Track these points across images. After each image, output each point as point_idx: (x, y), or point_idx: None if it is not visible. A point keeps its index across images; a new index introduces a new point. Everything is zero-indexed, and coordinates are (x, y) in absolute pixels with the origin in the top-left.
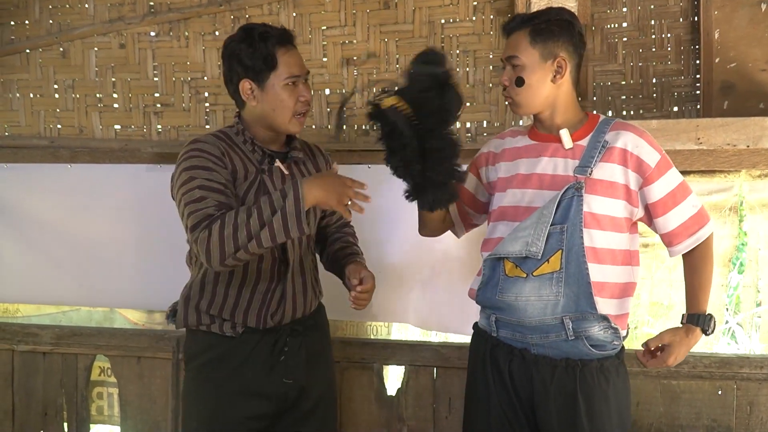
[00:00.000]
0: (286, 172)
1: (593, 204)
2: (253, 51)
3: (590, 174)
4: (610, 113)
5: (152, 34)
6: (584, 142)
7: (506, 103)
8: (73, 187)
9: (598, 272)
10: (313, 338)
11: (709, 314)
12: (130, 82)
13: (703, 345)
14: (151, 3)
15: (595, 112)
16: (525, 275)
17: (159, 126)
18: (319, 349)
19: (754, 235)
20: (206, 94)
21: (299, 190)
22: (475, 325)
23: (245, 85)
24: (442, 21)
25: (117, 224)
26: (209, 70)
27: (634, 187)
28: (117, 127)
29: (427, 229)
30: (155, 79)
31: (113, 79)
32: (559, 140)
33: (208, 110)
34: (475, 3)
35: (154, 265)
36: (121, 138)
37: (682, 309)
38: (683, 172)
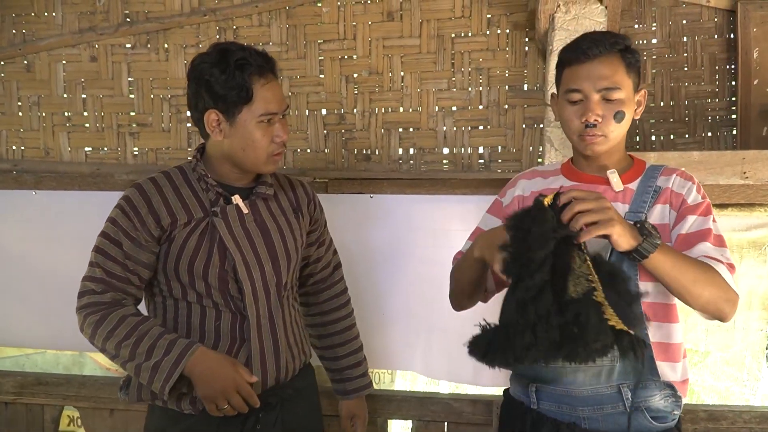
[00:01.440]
0: (245, 210)
1: None
2: (227, 79)
3: (645, 219)
4: (637, 138)
5: (128, 45)
6: (633, 185)
7: (585, 141)
8: (38, 216)
9: (657, 331)
10: (294, 411)
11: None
12: (103, 99)
13: (742, 399)
14: (127, 12)
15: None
16: None
17: (135, 148)
18: (303, 424)
19: None
20: (188, 113)
21: (184, 357)
22: (506, 393)
23: (211, 116)
24: (453, 35)
25: (86, 258)
26: None
27: (670, 224)
28: (87, 149)
29: (471, 297)
30: (131, 95)
31: (83, 96)
32: (606, 182)
33: (190, 131)
34: (489, 16)
35: None
36: (93, 161)
37: (720, 355)
38: (720, 206)
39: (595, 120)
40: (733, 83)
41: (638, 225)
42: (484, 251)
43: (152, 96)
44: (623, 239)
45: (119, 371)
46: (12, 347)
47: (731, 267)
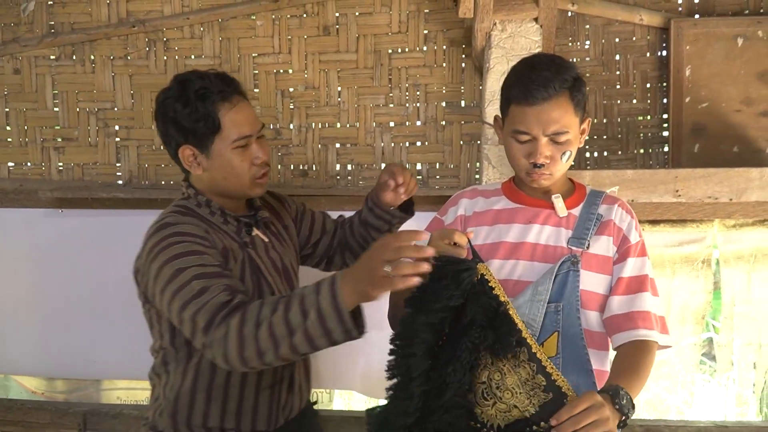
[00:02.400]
0: (265, 239)
1: (587, 281)
2: (191, 112)
3: (587, 247)
4: None
5: (52, 57)
6: (576, 211)
7: (531, 177)
8: None
9: (596, 360)
10: None
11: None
12: (26, 113)
13: (677, 412)
14: (52, 23)
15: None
16: None
17: (60, 163)
18: None
19: (729, 289)
20: (117, 128)
21: (336, 284)
22: None
23: (186, 152)
24: (390, 51)
25: (10, 277)
26: (120, 100)
27: (613, 258)
28: (10, 164)
29: None
30: (56, 108)
31: (6, 109)
32: (550, 206)
33: (119, 146)
34: (426, 32)
35: (55, 325)
36: (15, 177)
37: (654, 370)
38: (653, 221)
39: (543, 161)
40: (665, 101)
41: (611, 393)
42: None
43: (78, 109)
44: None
45: (45, 394)
46: None
47: (661, 323)
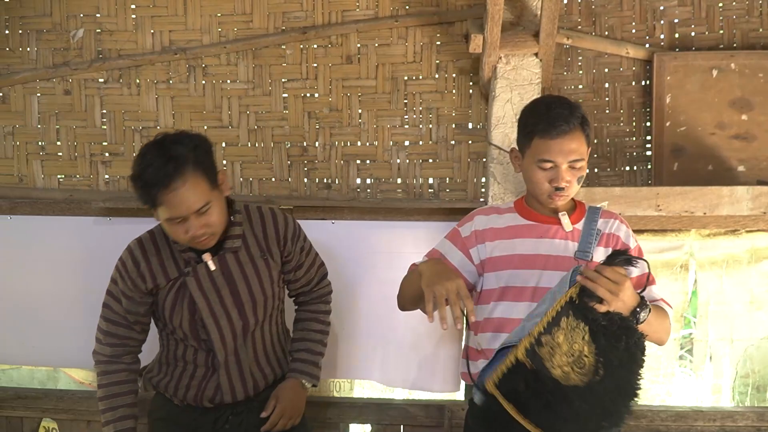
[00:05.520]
0: (212, 267)
1: None
2: (140, 195)
3: (591, 259)
4: None
5: (101, 80)
6: (579, 226)
7: (552, 199)
8: (14, 240)
9: None
10: (258, 415)
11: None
12: (76, 130)
13: (658, 398)
14: (100, 49)
15: None
16: None
17: (107, 176)
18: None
19: (704, 291)
20: None
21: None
22: (472, 403)
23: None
24: (405, 78)
25: (61, 280)
26: (162, 119)
27: None
28: (60, 176)
29: (412, 306)
30: (103, 127)
31: (57, 127)
32: (557, 222)
33: None
34: (438, 61)
35: None
36: (65, 188)
37: None
38: (637, 231)
39: (564, 185)
40: (648, 124)
41: (641, 293)
42: (426, 285)
43: (124, 127)
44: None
45: (92, 385)
46: None
47: (666, 301)
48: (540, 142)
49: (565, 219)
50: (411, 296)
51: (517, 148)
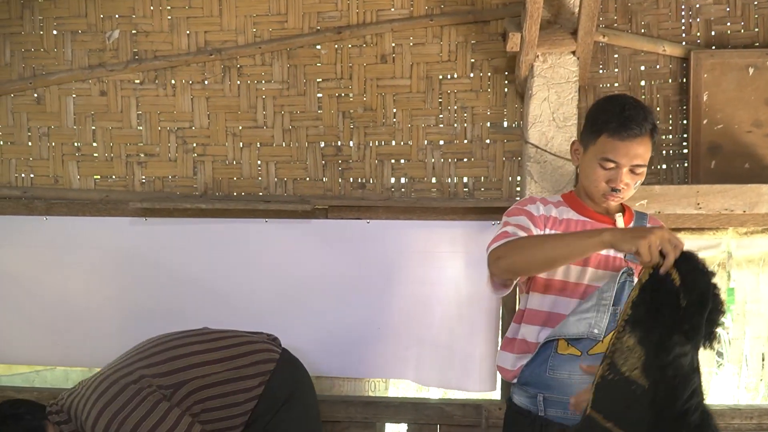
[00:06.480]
0: None
1: None
2: None
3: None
4: None
5: (137, 81)
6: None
7: (606, 199)
8: (50, 241)
9: None
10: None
11: None
12: (112, 131)
13: None
14: (135, 50)
15: None
16: (580, 353)
17: (143, 176)
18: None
19: (741, 289)
20: (194, 144)
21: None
22: (510, 402)
23: None
24: (440, 77)
25: (96, 280)
26: (198, 119)
27: None
28: (96, 177)
29: (523, 272)
30: (139, 127)
31: (93, 128)
32: (611, 222)
33: (196, 161)
34: (473, 60)
35: (137, 322)
36: (101, 188)
37: None
38: (676, 230)
39: (622, 187)
40: (685, 122)
41: None
42: (621, 242)
43: (159, 128)
44: None
45: None
46: (23, 365)
47: None
48: (608, 140)
49: (620, 220)
50: (549, 258)
51: (578, 141)
